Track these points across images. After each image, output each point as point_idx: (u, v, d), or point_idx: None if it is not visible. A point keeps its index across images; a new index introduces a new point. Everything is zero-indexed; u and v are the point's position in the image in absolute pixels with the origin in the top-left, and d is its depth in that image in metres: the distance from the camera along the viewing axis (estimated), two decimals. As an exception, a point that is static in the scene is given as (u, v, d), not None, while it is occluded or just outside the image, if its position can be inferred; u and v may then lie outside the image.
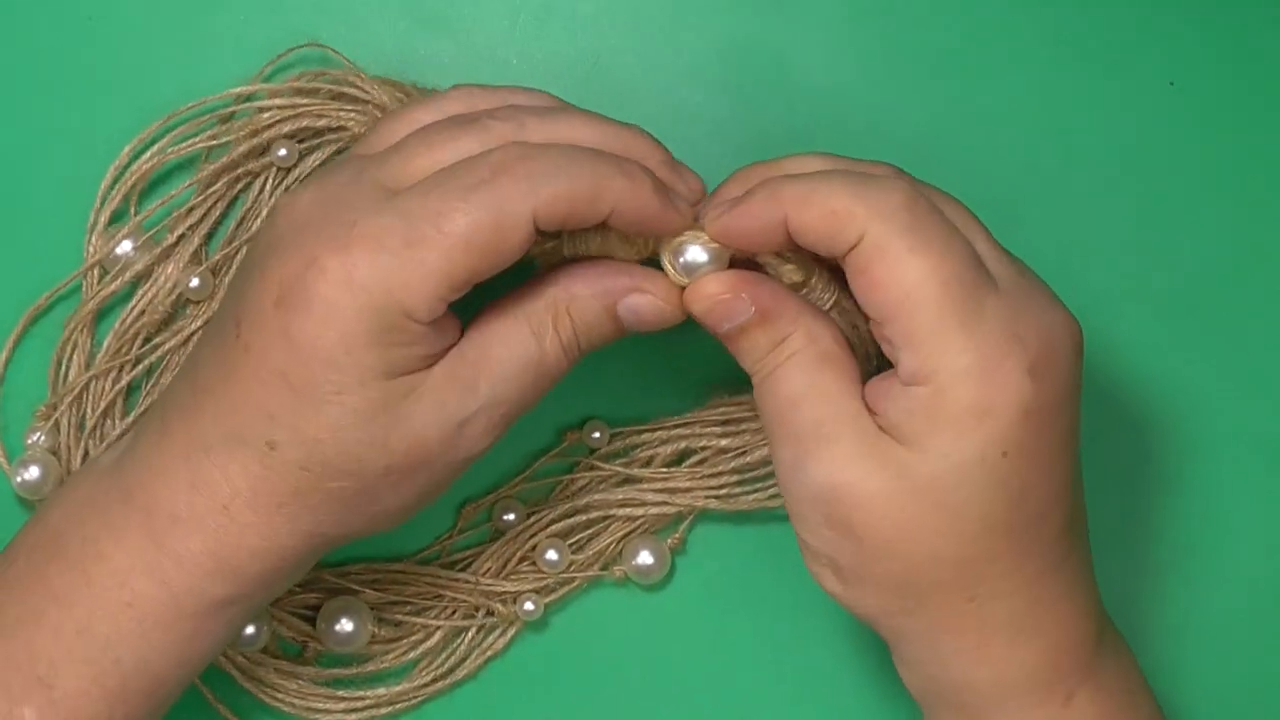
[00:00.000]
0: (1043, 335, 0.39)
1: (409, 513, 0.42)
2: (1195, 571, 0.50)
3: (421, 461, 0.40)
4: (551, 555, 0.48)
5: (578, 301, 0.41)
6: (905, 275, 0.38)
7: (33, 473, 0.48)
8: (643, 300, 0.41)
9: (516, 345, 0.40)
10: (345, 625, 0.48)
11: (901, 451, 0.38)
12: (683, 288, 0.41)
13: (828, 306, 0.42)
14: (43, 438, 0.48)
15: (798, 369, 0.40)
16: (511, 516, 0.49)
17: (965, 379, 0.37)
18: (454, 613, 0.49)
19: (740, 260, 0.42)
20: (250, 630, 0.47)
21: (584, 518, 0.49)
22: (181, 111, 0.48)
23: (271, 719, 0.49)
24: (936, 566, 0.39)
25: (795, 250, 0.41)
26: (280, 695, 0.48)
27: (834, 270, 0.42)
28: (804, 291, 0.42)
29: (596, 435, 0.49)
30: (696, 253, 0.41)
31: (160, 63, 0.49)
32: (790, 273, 0.41)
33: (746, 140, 0.50)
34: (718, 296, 0.41)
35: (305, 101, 0.48)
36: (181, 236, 0.48)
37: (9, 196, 0.49)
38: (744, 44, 0.50)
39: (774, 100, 0.50)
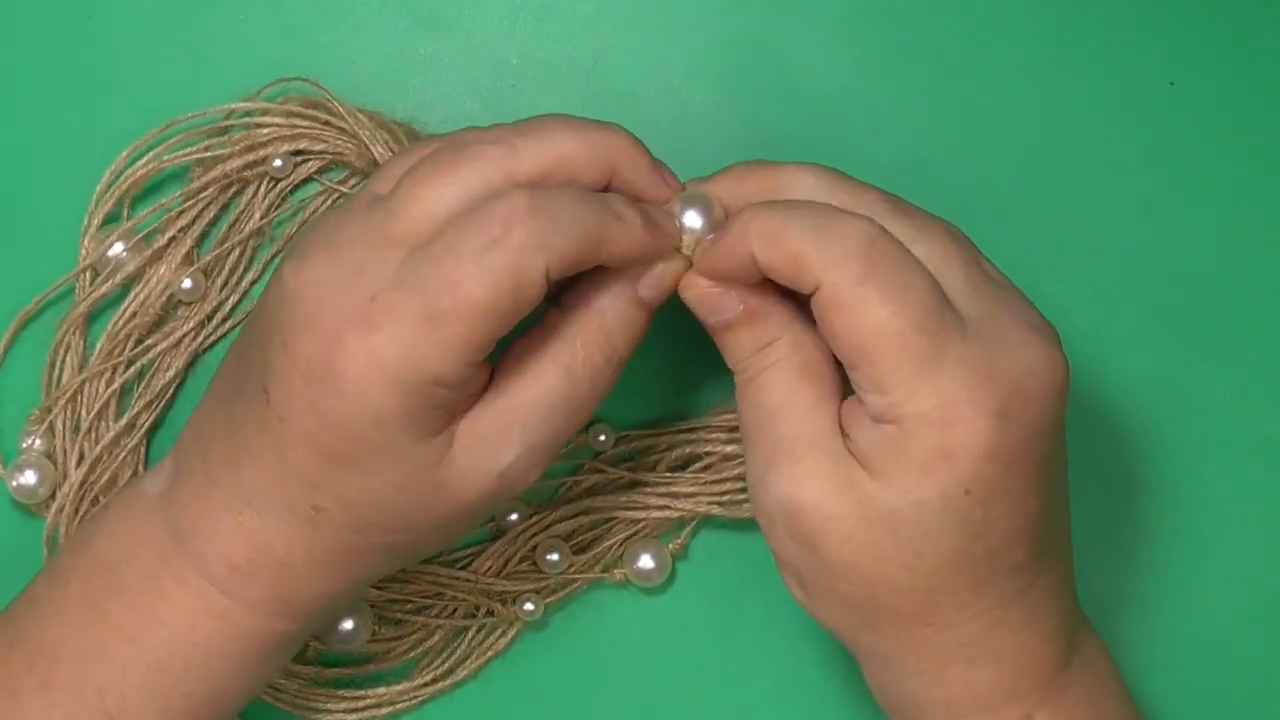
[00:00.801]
0: (1014, 375, 0.38)
1: (453, 542, 0.46)
2: (1187, 572, 0.50)
3: (466, 514, 0.41)
4: (553, 556, 0.48)
5: (606, 311, 0.41)
6: (861, 323, 0.38)
7: (28, 477, 0.48)
8: (656, 269, 0.41)
9: (545, 387, 0.40)
10: (346, 624, 0.48)
11: (866, 480, 0.39)
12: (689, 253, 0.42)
13: None
14: (38, 441, 0.48)
15: (779, 379, 0.40)
16: (514, 516, 0.49)
17: (926, 424, 0.38)
18: (455, 612, 0.49)
19: None
20: None
21: (586, 519, 0.49)
22: (180, 120, 0.48)
23: (273, 718, 0.49)
24: (893, 594, 0.39)
25: None
26: (282, 695, 0.48)
27: None
28: None
29: (602, 438, 0.49)
30: (692, 218, 0.41)
31: (160, 63, 0.49)
32: None
33: (746, 140, 0.50)
34: (709, 289, 0.41)
35: (304, 123, 0.48)
36: (173, 238, 0.48)
37: (2, 199, 0.49)
38: (744, 44, 0.50)
39: (774, 100, 0.50)
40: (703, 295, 0.41)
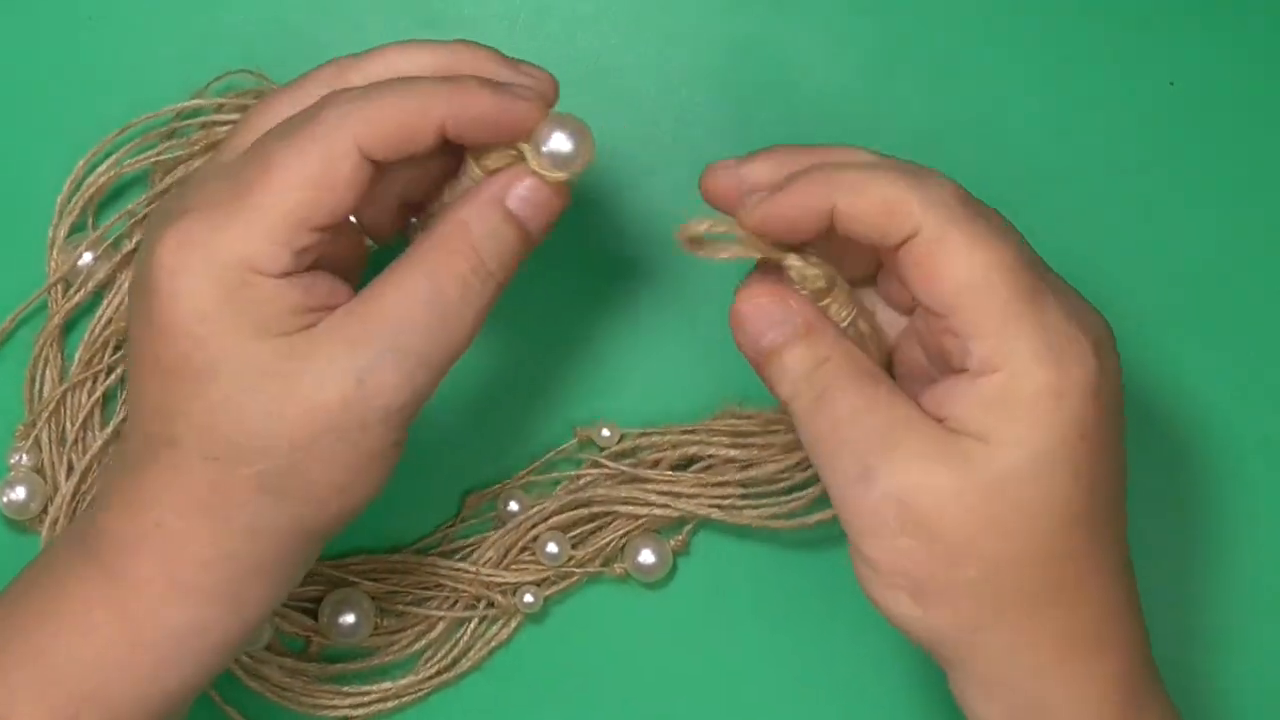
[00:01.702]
0: (1094, 322, 0.38)
1: (362, 488, 0.39)
2: (1186, 572, 0.50)
3: (328, 425, 0.38)
4: (551, 548, 0.48)
5: (472, 222, 0.39)
6: (968, 264, 0.37)
7: (19, 493, 0.48)
8: (527, 181, 0.40)
9: (409, 289, 0.39)
10: (348, 617, 0.48)
11: (975, 446, 0.37)
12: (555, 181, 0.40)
13: (845, 324, 0.41)
14: (25, 457, 0.48)
15: (849, 385, 0.39)
16: (515, 506, 0.49)
17: (1039, 362, 0.37)
18: (455, 603, 0.49)
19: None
20: None
21: (586, 512, 0.49)
22: (135, 123, 0.48)
23: (279, 717, 0.49)
24: (1018, 568, 0.37)
25: (821, 248, 0.40)
26: (287, 693, 0.48)
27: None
28: (826, 302, 0.40)
29: (606, 433, 0.49)
30: (560, 140, 0.39)
31: (160, 64, 0.49)
32: (814, 279, 0.40)
33: (746, 140, 0.50)
34: (767, 297, 0.40)
35: None
36: (140, 242, 0.48)
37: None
38: (744, 44, 0.50)
39: (774, 100, 0.50)
40: (758, 308, 0.40)
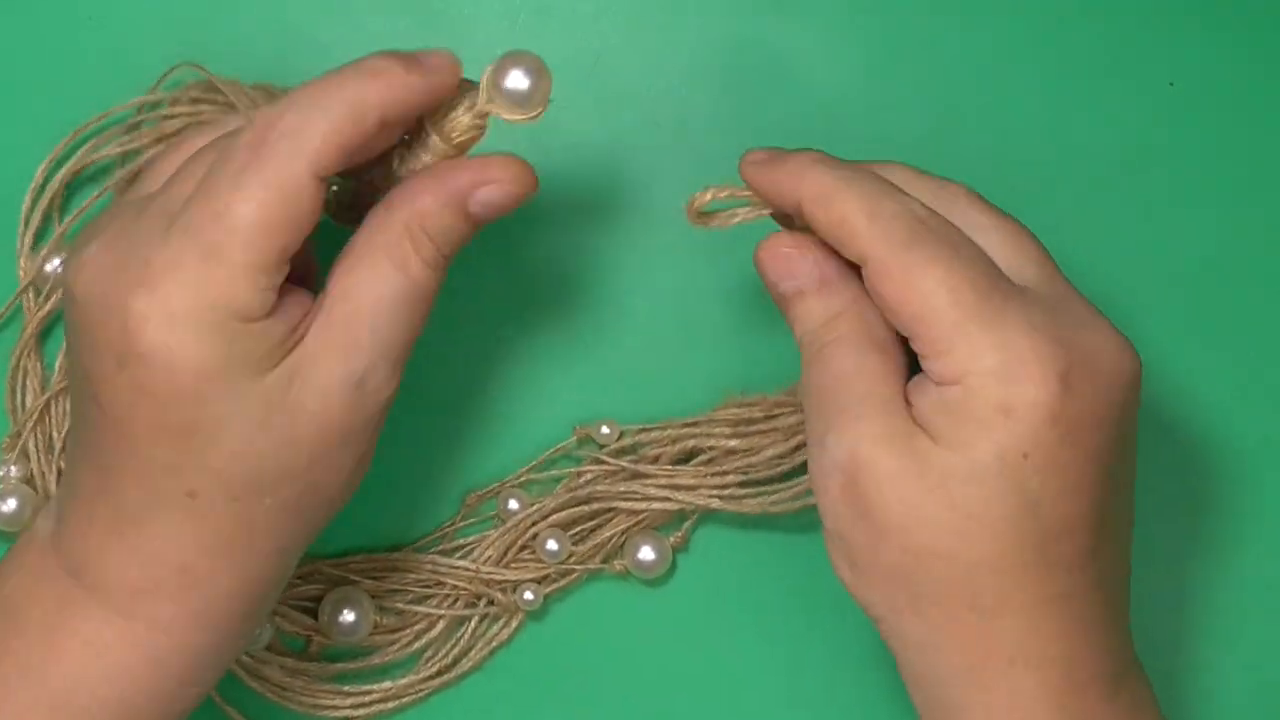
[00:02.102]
0: (1082, 347, 0.38)
1: (354, 485, 0.41)
2: (1186, 573, 0.50)
3: (340, 435, 0.39)
4: (551, 545, 0.48)
5: (430, 217, 0.39)
6: (913, 290, 0.38)
7: (10, 505, 0.47)
8: (490, 190, 0.40)
9: (385, 286, 0.39)
10: (348, 616, 0.48)
11: (927, 443, 0.38)
12: (520, 119, 0.40)
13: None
14: (13, 469, 0.48)
15: (848, 349, 0.40)
16: (515, 505, 0.49)
17: (989, 378, 0.37)
18: (455, 601, 0.49)
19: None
20: None
21: (587, 509, 0.49)
22: (90, 124, 0.48)
23: (280, 717, 0.49)
24: (937, 563, 0.38)
25: None
26: (288, 693, 0.48)
27: None
28: None
29: (606, 431, 0.49)
30: (518, 78, 0.39)
31: (159, 64, 0.49)
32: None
33: (746, 140, 0.49)
34: (787, 249, 0.41)
35: (210, 108, 0.47)
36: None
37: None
38: (744, 44, 0.50)
39: (774, 100, 0.50)
40: (779, 256, 0.41)
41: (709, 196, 0.42)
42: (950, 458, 0.38)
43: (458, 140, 0.41)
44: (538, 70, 0.39)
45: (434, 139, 0.40)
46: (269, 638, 0.47)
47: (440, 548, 0.49)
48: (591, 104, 0.50)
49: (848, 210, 0.39)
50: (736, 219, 0.43)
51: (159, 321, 0.37)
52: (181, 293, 0.37)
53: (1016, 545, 0.38)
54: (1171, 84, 0.51)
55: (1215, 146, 0.51)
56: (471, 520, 0.50)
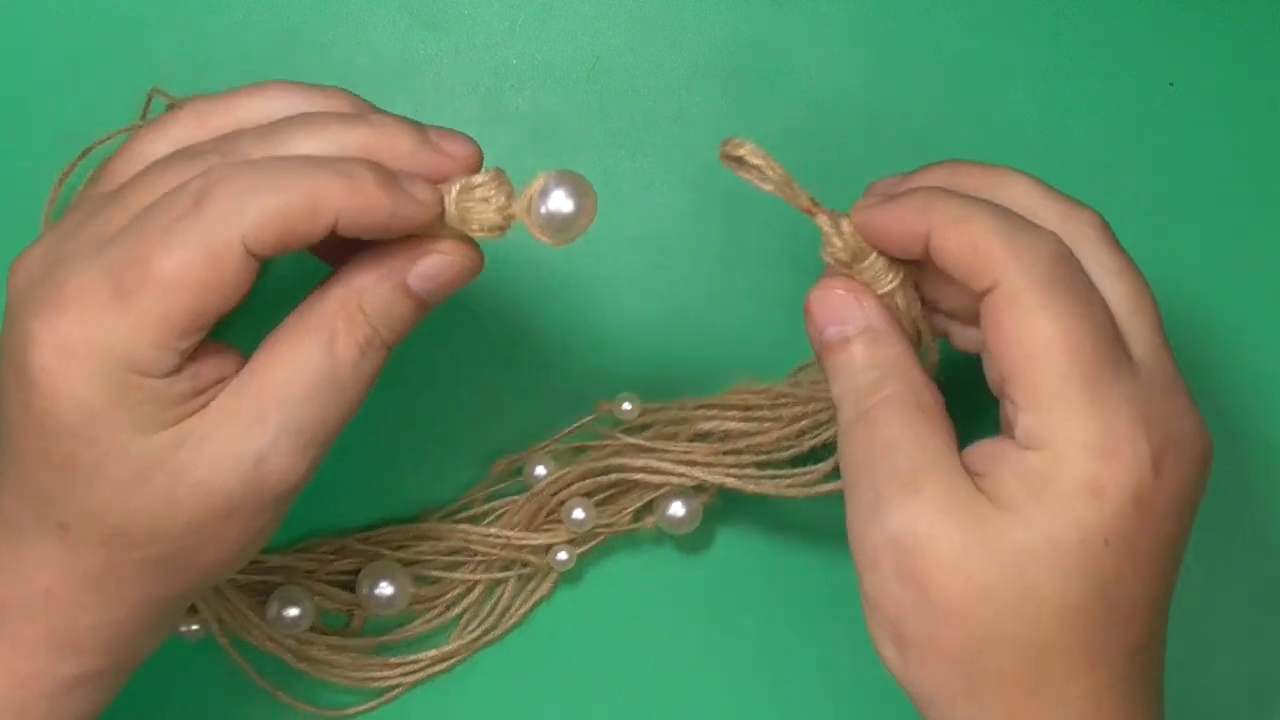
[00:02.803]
0: (1174, 433, 0.37)
1: (245, 555, 0.39)
2: (1186, 573, 0.50)
3: (226, 510, 0.37)
4: (578, 514, 0.48)
5: (367, 294, 0.38)
6: (1034, 331, 0.36)
7: None
8: (432, 261, 0.38)
9: (303, 364, 0.37)
10: (386, 589, 0.48)
11: (997, 515, 0.36)
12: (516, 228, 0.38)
13: (881, 292, 0.40)
14: None
15: (895, 413, 0.38)
16: (542, 470, 0.49)
17: (1084, 451, 0.35)
18: (489, 567, 0.49)
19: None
20: (294, 611, 0.47)
21: (607, 479, 0.48)
22: (93, 147, 0.48)
23: (331, 695, 0.49)
24: (1002, 648, 0.36)
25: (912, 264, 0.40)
26: (336, 670, 0.48)
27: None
28: (860, 266, 0.40)
29: (627, 407, 0.49)
30: (560, 199, 0.37)
31: (159, 64, 0.49)
32: (838, 250, 0.39)
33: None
34: (839, 293, 0.39)
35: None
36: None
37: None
38: (744, 44, 0.50)
39: (774, 100, 0.50)
40: (830, 298, 0.39)
41: (742, 152, 0.39)
42: (1026, 535, 0.36)
43: (474, 229, 0.38)
44: (582, 192, 0.37)
45: (448, 208, 0.38)
46: (310, 619, 0.48)
47: (467, 513, 0.49)
48: (591, 104, 0.50)
49: (985, 231, 0.37)
50: (765, 188, 0.39)
51: (52, 351, 0.35)
52: (81, 330, 0.35)
53: (1084, 630, 0.36)
54: (1171, 84, 0.51)
55: (1215, 146, 0.51)
56: (498, 485, 0.50)
